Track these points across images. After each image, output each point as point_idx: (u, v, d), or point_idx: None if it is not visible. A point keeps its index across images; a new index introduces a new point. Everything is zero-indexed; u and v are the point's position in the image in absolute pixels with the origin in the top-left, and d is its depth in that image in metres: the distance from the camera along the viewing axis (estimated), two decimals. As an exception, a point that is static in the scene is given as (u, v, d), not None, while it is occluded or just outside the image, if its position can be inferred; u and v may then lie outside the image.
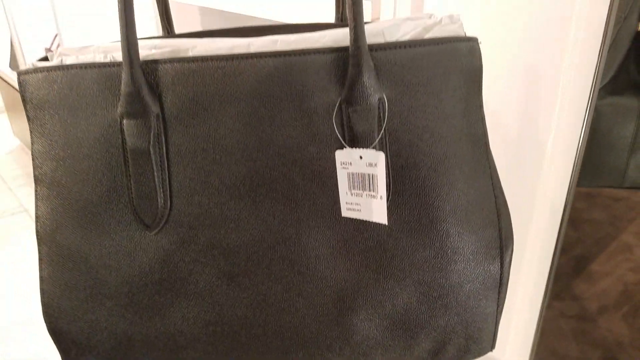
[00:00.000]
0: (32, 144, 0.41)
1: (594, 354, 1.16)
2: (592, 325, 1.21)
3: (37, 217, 0.43)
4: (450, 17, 0.40)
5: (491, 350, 0.47)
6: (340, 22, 0.51)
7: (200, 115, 0.38)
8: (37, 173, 0.42)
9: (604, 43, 0.56)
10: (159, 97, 0.38)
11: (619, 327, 1.20)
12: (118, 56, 0.39)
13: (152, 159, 0.39)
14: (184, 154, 0.39)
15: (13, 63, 1.91)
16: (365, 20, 0.36)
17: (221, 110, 0.38)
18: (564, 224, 0.68)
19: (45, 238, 0.42)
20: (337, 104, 0.37)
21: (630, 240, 1.35)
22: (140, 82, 0.37)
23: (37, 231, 0.43)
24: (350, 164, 0.37)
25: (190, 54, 0.39)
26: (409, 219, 0.39)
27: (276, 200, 0.39)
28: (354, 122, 0.37)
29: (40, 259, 0.43)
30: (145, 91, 0.38)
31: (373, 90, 0.36)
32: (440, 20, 0.39)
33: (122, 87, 0.38)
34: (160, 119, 0.39)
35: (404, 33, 0.39)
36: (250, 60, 0.37)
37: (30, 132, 0.41)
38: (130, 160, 0.39)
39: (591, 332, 1.21)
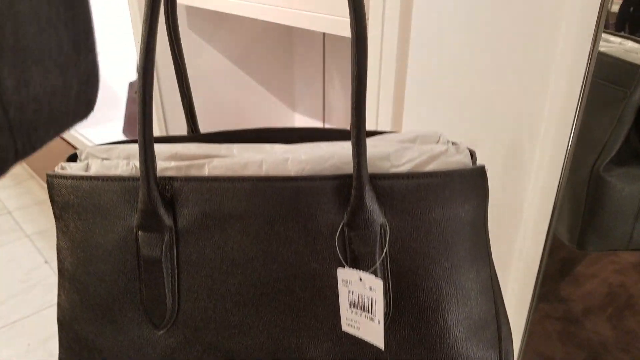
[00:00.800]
0: (57, 239, 0.45)
1: (579, 355, 1.19)
2: (578, 326, 1.24)
3: (58, 305, 0.46)
4: (457, 147, 0.42)
5: None
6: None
7: (210, 229, 0.41)
8: (60, 266, 0.45)
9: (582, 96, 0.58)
10: (173, 213, 0.41)
11: (603, 329, 1.22)
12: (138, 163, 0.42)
13: (163, 267, 0.42)
14: (193, 263, 0.42)
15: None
16: (383, 129, 0.38)
17: (230, 225, 0.41)
18: (552, 228, 0.70)
19: (65, 325, 0.46)
20: (340, 227, 0.39)
21: (615, 243, 1.37)
22: (156, 201, 0.40)
23: (57, 318, 0.46)
24: (351, 283, 0.39)
25: (207, 168, 0.42)
26: (409, 337, 0.41)
27: (279, 310, 0.41)
28: (355, 245, 0.39)
29: (60, 343, 0.46)
30: (160, 209, 0.41)
31: (375, 216, 0.38)
32: (447, 150, 0.41)
33: (139, 203, 0.40)
34: (173, 232, 0.41)
35: (410, 159, 0.40)
36: (261, 184, 0.39)
37: (56, 228, 0.45)
38: (143, 267, 0.42)
39: (576, 334, 1.23)
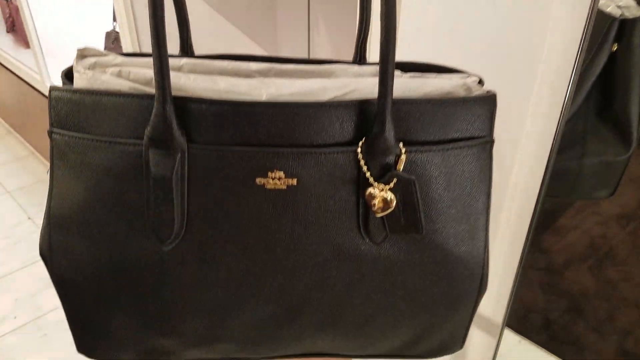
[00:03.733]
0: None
1: (560, 304, 1.21)
2: (559, 277, 1.26)
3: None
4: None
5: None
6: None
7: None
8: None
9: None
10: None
11: (584, 279, 1.25)
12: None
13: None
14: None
15: None
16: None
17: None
18: (547, 178, 0.70)
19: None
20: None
21: (598, 195, 1.38)
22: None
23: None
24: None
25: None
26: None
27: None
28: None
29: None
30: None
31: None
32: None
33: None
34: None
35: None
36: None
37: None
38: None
39: (558, 284, 1.25)
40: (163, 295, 0.45)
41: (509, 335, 1.16)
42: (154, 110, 0.40)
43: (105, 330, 0.49)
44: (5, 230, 1.74)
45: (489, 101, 0.44)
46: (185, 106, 0.41)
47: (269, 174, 0.42)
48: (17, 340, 1.35)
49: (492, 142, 0.45)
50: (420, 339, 0.51)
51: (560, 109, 0.64)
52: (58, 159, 0.44)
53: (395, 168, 0.42)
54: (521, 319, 1.23)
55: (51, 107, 0.43)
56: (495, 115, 0.45)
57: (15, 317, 1.42)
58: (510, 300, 0.85)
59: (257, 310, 0.46)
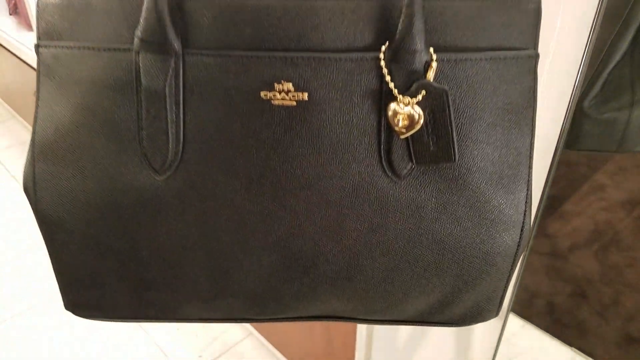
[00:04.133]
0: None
1: (564, 288, 1.21)
2: (564, 262, 1.26)
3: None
4: None
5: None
6: None
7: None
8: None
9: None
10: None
11: (589, 264, 1.25)
12: None
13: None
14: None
15: None
16: None
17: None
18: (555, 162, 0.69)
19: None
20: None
21: (604, 180, 1.38)
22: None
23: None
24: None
25: None
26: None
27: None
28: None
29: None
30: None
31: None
32: None
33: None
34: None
35: None
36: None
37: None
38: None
39: (562, 269, 1.25)
40: (158, 238, 0.40)
41: (514, 320, 1.16)
42: (144, 4, 0.35)
43: (94, 281, 0.43)
44: (8, 214, 1.74)
45: (535, 8, 0.38)
46: (181, 3, 0.36)
47: (276, 85, 0.36)
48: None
49: (537, 57, 0.39)
50: (451, 301, 0.44)
51: (568, 101, 0.64)
52: (45, 75, 0.39)
53: (425, 77, 0.35)
54: (526, 303, 1.23)
55: (39, 18, 0.39)
56: (540, 27, 0.39)
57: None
58: (515, 284, 0.84)
59: (263, 260, 0.41)
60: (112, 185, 0.39)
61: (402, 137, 0.36)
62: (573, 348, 1.14)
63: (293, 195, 0.38)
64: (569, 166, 1.37)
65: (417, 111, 0.35)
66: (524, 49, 0.38)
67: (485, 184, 0.38)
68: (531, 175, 0.41)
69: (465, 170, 0.38)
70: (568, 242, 1.32)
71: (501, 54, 0.37)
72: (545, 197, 0.72)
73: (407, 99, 0.35)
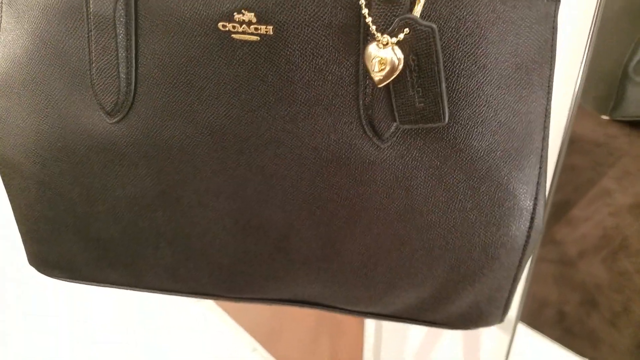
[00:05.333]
0: None
1: (573, 297, 1.19)
2: (572, 269, 1.23)
3: None
4: None
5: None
6: None
7: None
8: None
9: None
10: None
11: (598, 270, 1.23)
12: None
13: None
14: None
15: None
16: None
17: None
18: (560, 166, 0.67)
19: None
20: None
21: (610, 185, 1.36)
22: None
23: None
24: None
25: None
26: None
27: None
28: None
29: None
30: None
31: None
32: None
33: None
34: None
35: None
36: None
37: None
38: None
39: (571, 276, 1.23)
40: (113, 192, 0.37)
41: (523, 330, 1.14)
42: None
43: (53, 235, 0.40)
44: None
45: None
46: None
47: (235, 15, 0.31)
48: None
49: (557, 1, 0.33)
50: (445, 297, 0.38)
51: (570, 104, 0.62)
52: (7, 4, 0.36)
53: (410, 13, 0.30)
54: (535, 312, 1.21)
55: None
56: None
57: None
58: (523, 293, 0.82)
59: (228, 227, 0.37)
60: (64, 125, 0.35)
61: (380, 85, 0.31)
62: (585, 359, 1.12)
63: (259, 152, 0.34)
64: (574, 171, 1.36)
65: (397, 54, 0.30)
66: None
67: (486, 154, 0.32)
68: (546, 151, 0.35)
69: (461, 136, 0.32)
70: (576, 248, 1.30)
71: None
72: (551, 202, 0.70)
73: (387, 38, 0.30)
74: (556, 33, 0.33)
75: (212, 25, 0.32)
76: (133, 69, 0.34)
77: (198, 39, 0.32)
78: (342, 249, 0.36)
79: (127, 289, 0.45)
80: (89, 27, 0.33)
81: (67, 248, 0.41)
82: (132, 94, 0.34)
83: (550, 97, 0.34)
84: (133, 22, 0.33)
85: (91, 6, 0.33)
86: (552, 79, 0.34)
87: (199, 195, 0.36)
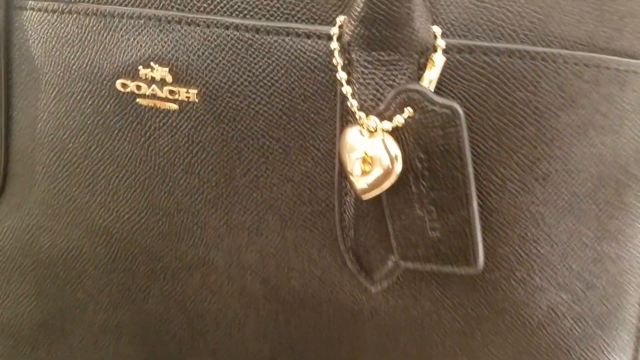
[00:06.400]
0: None
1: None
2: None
3: None
4: None
5: None
6: None
7: None
8: None
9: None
10: None
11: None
12: None
13: None
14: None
15: None
16: None
17: None
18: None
19: None
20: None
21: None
22: None
23: None
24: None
25: None
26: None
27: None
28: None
29: None
30: None
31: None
32: None
33: None
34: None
35: None
36: None
37: None
38: None
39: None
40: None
41: None
42: None
43: None
44: None
45: None
46: None
47: (141, 71, 0.20)
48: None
49: None
50: None
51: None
52: None
53: (418, 82, 0.18)
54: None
55: None
56: None
57: None
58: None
59: None
60: None
61: (365, 197, 0.19)
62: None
63: (178, 278, 0.23)
64: None
65: (392, 149, 0.18)
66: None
67: (547, 323, 0.20)
68: None
69: (506, 289, 0.19)
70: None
71: (600, 58, 0.19)
72: None
73: (375, 121, 0.18)
74: None
75: (108, 84, 0.21)
76: (2, 143, 0.23)
77: (90, 103, 0.21)
78: None
79: None
80: None
81: None
82: (0, 177, 0.24)
83: None
84: (2, 76, 0.22)
85: None
86: None
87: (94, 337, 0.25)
